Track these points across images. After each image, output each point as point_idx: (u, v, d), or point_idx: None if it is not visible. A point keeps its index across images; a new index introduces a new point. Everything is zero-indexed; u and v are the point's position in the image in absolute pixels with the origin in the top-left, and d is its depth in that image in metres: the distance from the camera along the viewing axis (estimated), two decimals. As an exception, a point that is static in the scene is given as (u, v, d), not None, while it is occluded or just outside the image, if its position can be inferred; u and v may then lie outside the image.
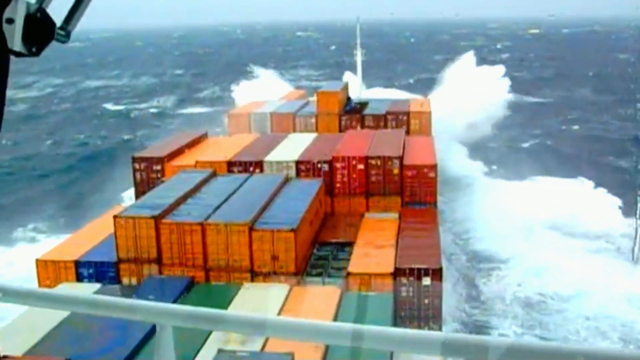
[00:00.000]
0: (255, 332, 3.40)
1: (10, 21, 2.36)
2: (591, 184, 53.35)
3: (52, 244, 32.54)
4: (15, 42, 2.39)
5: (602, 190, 51.24)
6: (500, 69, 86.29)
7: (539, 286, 37.43)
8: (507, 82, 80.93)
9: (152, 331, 14.74)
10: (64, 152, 77.16)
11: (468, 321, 33.69)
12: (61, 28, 2.58)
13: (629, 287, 35.93)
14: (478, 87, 73.36)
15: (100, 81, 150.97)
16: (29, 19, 2.41)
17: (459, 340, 3.07)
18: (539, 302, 36.05)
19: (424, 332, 3.19)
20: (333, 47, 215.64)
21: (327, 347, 20.86)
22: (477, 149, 64.42)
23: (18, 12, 2.36)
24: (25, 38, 2.42)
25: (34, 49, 2.45)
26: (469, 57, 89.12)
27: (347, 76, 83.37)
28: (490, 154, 64.85)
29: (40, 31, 2.45)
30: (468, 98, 67.79)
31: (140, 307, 3.53)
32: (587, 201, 49.03)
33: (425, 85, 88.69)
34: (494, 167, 61.14)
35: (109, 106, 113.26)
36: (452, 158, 57.06)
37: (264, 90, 71.90)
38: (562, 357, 2.87)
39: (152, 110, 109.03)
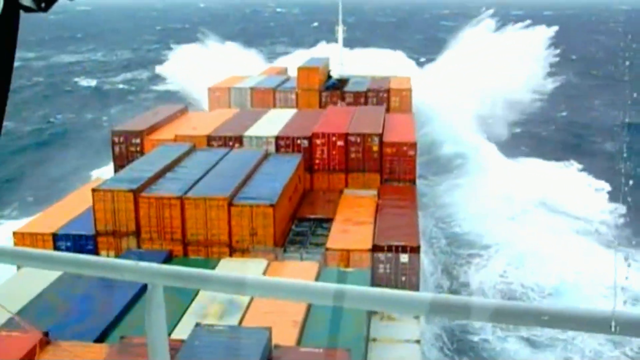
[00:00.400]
0: (241, 291, 3.46)
1: None
2: (577, 167, 53.22)
3: (19, 224, 31.64)
4: None
5: (586, 174, 51.22)
6: (545, 32, 75.81)
7: (522, 276, 37.01)
8: (548, 55, 73.52)
9: (128, 305, 14.72)
10: (30, 129, 74.39)
11: (447, 326, 31.56)
12: None
13: (613, 278, 34.81)
14: (498, 61, 67.82)
15: (74, 56, 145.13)
16: None
17: (443, 301, 3.12)
18: (521, 296, 35.73)
19: (409, 293, 3.23)
20: (315, 24, 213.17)
21: (304, 322, 21.03)
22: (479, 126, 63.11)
23: None
24: None
25: (42, 5, 2.46)
26: (487, 21, 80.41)
27: (322, 47, 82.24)
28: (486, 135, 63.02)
29: None
30: (480, 77, 64.81)
31: (130, 267, 3.57)
32: (571, 184, 49.04)
33: (408, 64, 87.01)
34: (489, 147, 59.43)
35: (82, 81, 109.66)
36: (450, 134, 56.43)
37: (216, 62, 70.50)
38: (543, 317, 2.93)
39: (125, 86, 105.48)
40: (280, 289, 3.39)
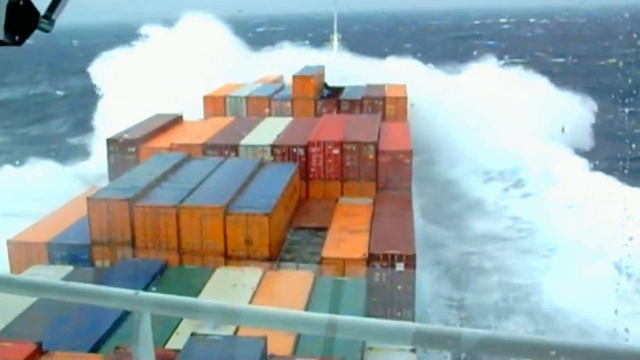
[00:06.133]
0: (229, 321, 3.44)
1: None
2: None
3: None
4: None
5: None
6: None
7: None
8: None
9: (123, 315, 14.63)
10: None
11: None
12: (45, 17, 2.52)
13: None
14: None
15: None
16: (12, 7, 2.36)
17: (430, 331, 3.08)
18: None
19: (397, 323, 3.20)
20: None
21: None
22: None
23: (0, 0, 2.32)
24: (8, 27, 2.36)
25: (16, 38, 2.41)
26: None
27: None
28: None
29: (23, 20, 2.39)
30: None
31: (117, 295, 3.55)
32: None
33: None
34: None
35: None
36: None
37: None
38: (535, 349, 2.90)
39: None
40: (272, 319, 3.37)
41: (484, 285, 35.07)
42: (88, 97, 65.74)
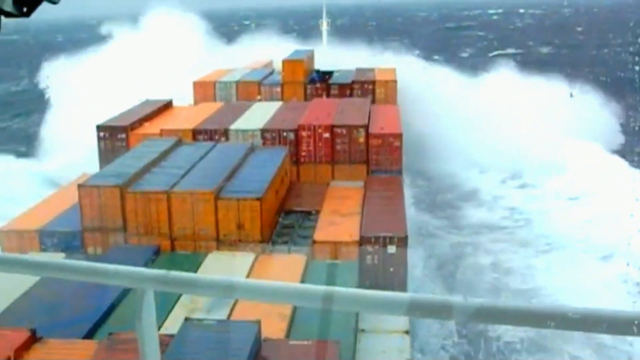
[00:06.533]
0: (231, 295, 3.47)
1: None
2: None
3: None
4: (6, 1, 2.32)
5: None
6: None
7: None
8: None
9: (116, 301, 14.65)
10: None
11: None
12: None
13: None
14: None
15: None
16: None
17: (425, 301, 3.10)
18: None
19: (391, 293, 3.22)
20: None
21: (292, 315, 21.03)
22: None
23: None
24: None
25: (24, 9, 2.39)
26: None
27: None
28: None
29: None
30: None
31: (119, 272, 3.55)
32: None
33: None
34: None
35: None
36: None
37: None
38: (531, 316, 2.92)
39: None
40: (269, 292, 3.41)
41: (479, 284, 34.90)
42: (66, 94, 65.18)
